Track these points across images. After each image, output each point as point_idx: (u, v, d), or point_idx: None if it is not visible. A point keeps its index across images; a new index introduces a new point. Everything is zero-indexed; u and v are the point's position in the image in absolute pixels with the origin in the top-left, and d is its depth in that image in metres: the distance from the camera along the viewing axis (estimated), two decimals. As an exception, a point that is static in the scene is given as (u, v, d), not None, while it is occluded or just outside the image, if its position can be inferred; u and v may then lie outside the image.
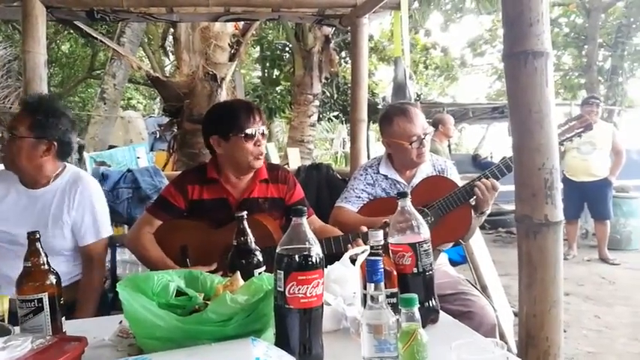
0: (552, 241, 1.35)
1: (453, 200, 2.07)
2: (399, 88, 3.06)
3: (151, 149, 6.25)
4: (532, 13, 1.33)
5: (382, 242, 1.27)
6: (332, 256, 1.76)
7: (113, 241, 2.71)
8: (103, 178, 2.75)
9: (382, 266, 1.02)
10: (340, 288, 1.46)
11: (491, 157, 12.29)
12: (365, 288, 1.24)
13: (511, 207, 6.46)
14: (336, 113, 12.23)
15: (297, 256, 1.04)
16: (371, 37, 12.82)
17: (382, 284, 1.01)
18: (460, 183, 2.82)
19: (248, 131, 1.88)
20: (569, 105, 10.32)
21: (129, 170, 2.85)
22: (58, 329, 1.32)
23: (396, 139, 2.16)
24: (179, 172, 3.66)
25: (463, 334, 1.31)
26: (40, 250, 1.34)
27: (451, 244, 2.36)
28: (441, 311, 1.37)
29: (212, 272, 1.84)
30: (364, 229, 1.83)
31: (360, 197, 2.24)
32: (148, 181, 2.78)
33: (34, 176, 1.94)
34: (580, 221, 5.75)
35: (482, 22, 18.52)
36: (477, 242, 3.20)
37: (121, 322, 1.33)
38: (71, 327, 1.39)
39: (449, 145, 6.01)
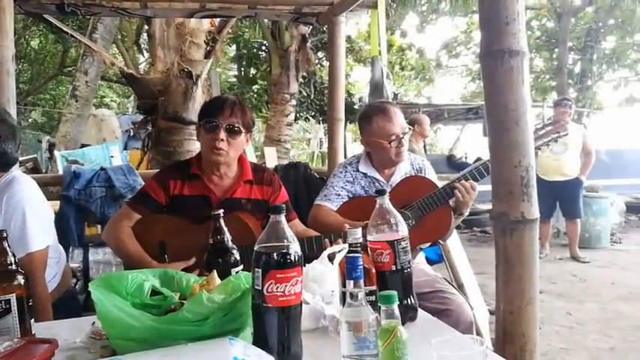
0: (529, 238, 1.36)
1: (433, 201, 2.09)
2: (377, 88, 3.07)
3: (125, 148, 6.12)
4: (508, 12, 1.34)
5: (361, 240, 1.26)
6: (312, 257, 1.77)
7: (85, 240, 2.66)
8: (75, 177, 2.68)
9: (362, 263, 1.01)
10: (318, 286, 1.45)
11: (466, 157, 12.47)
12: (344, 286, 1.24)
13: (486, 206, 6.57)
14: (313, 113, 12.22)
15: (275, 254, 1.03)
16: (348, 38, 12.86)
17: (362, 281, 1.00)
18: (437, 182, 2.85)
19: (207, 121, 1.87)
20: (540, 107, 10.53)
21: (102, 169, 2.79)
22: (27, 331, 1.27)
23: (375, 138, 2.16)
24: (157, 170, 3.63)
25: (442, 331, 1.31)
26: (7, 249, 1.29)
27: (429, 244, 2.38)
28: (419, 309, 1.37)
29: (190, 268, 1.83)
30: (346, 228, 1.82)
31: (339, 195, 2.23)
32: (121, 180, 2.72)
33: None
34: (552, 220, 5.87)
35: (457, 25, 18.81)
36: (454, 241, 3.24)
37: (93, 323, 1.29)
38: (41, 329, 1.35)
39: (424, 146, 6.06)
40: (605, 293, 4.32)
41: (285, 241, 1.04)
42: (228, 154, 1.88)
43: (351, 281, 0.99)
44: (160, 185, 1.92)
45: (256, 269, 1.03)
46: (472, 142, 14.61)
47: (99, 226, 2.89)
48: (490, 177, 1.44)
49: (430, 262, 3.12)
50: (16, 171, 1.85)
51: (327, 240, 1.85)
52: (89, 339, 1.23)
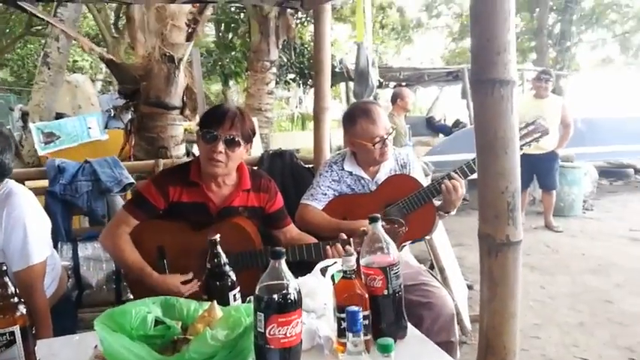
0: (513, 259, 1.43)
1: (418, 199, 2.14)
2: (362, 75, 3.07)
3: (106, 127, 5.99)
4: (499, 42, 1.35)
5: (355, 267, 1.32)
6: (308, 262, 1.82)
7: (73, 235, 2.66)
8: (59, 172, 2.66)
9: (361, 318, 1.07)
10: (311, 300, 1.51)
11: (445, 119, 12.57)
12: (339, 311, 1.31)
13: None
14: (292, 76, 12.05)
15: (276, 299, 1.08)
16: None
17: (361, 333, 1.05)
18: (421, 171, 2.90)
19: (207, 131, 1.87)
20: (519, 70, 10.58)
21: (86, 161, 2.76)
22: (32, 358, 1.31)
23: (360, 140, 2.20)
24: (141, 160, 3.57)
25: (431, 351, 1.40)
26: (8, 282, 1.31)
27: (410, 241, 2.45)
28: (409, 325, 1.45)
29: (189, 281, 1.87)
30: (343, 236, 1.87)
31: (326, 194, 2.28)
32: (107, 173, 2.71)
33: None
34: (529, 189, 6.04)
35: (438, -18, 18.50)
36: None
37: (96, 346, 1.33)
38: (42, 349, 1.39)
39: (405, 117, 6.08)
40: (576, 265, 4.54)
41: (285, 285, 1.09)
42: (226, 166, 1.88)
43: (351, 334, 1.05)
44: (159, 191, 1.91)
45: (258, 313, 1.08)
46: (450, 103, 14.70)
47: (86, 219, 2.90)
48: (477, 198, 1.49)
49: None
50: (11, 181, 1.84)
51: (328, 247, 1.88)
52: (94, 365, 1.28)
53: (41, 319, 1.75)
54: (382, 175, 2.29)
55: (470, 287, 3.89)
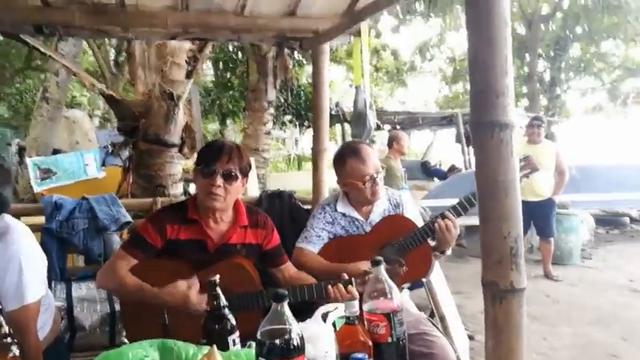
0: (517, 306, 1.42)
1: (413, 240, 2.13)
2: (360, 117, 3.11)
3: (103, 164, 5.99)
4: (498, 85, 1.38)
5: (358, 313, 1.30)
6: (308, 303, 1.79)
7: (67, 275, 2.61)
8: (56, 208, 2.63)
9: None
10: (313, 347, 1.47)
11: (440, 164, 12.66)
12: (341, 358, 1.28)
13: (462, 221, 6.67)
14: (289, 117, 12.20)
15: (278, 344, 1.05)
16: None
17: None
18: (417, 210, 2.90)
19: (205, 165, 1.88)
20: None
21: (84, 198, 2.74)
22: (23, 404, 1.26)
23: (350, 180, 2.21)
24: (140, 199, 3.55)
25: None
26: (2, 321, 1.28)
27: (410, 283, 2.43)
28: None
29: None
30: (345, 276, 1.85)
31: (320, 236, 2.26)
32: (105, 211, 2.68)
33: None
34: (526, 236, 6.02)
35: (431, 25, 19.01)
36: (434, 269, 3.29)
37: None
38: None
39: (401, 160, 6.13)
40: (575, 315, 4.46)
41: (288, 329, 1.07)
42: (224, 200, 1.89)
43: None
44: (156, 229, 1.89)
45: (260, 358, 1.06)
46: (445, 148, 14.87)
47: (81, 258, 2.86)
48: (480, 245, 1.48)
49: (410, 287, 3.18)
50: (8, 217, 1.79)
51: (330, 287, 1.85)
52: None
53: None
54: (376, 215, 2.29)
55: (471, 338, 3.79)
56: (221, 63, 10.87)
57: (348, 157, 2.22)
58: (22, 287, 1.67)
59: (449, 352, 2.03)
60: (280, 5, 2.72)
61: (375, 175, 2.19)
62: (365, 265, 2.00)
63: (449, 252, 2.21)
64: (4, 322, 1.28)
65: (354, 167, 2.19)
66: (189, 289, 1.78)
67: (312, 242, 2.24)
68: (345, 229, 2.28)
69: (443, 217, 2.10)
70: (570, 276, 5.79)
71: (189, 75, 3.83)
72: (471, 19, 1.40)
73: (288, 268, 2.09)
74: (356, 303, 1.30)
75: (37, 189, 5.14)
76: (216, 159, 1.88)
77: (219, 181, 1.85)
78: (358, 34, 3.07)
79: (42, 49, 3.46)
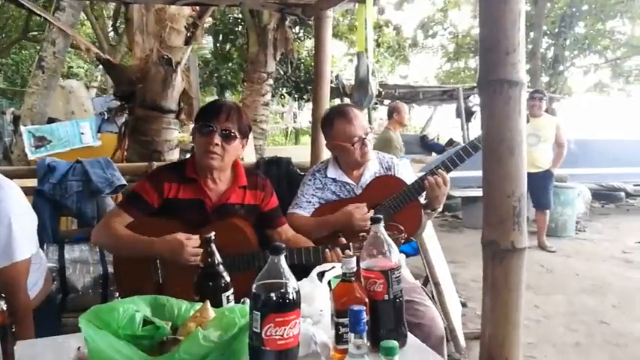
0: (517, 266, 1.39)
1: (403, 199, 2.12)
2: (361, 84, 3.04)
3: (98, 130, 5.92)
4: (508, 41, 1.32)
5: (355, 269, 1.27)
6: (305, 266, 1.76)
7: (60, 237, 2.58)
8: (49, 170, 2.59)
9: (365, 317, 1.01)
10: (307, 306, 1.45)
11: (438, 138, 12.63)
12: (338, 316, 1.25)
13: (459, 192, 6.69)
14: (288, 90, 12.07)
15: (274, 297, 1.02)
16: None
17: (365, 334, 1.00)
18: (411, 174, 2.88)
19: (203, 124, 1.86)
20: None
21: (78, 161, 2.69)
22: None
23: (339, 142, 2.20)
24: (134, 164, 3.51)
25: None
26: (-11, 276, 1.24)
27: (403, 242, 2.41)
28: (408, 334, 1.39)
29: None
30: (343, 240, 1.85)
31: (310, 202, 2.25)
32: (99, 174, 2.64)
33: None
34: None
35: (434, 2, 18.74)
36: (429, 236, 3.28)
37: (79, 348, 1.26)
38: (23, 350, 1.31)
39: (401, 132, 6.07)
40: (570, 285, 4.50)
41: (284, 282, 1.03)
42: (222, 159, 1.86)
43: (354, 334, 0.99)
44: (153, 187, 1.87)
45: (255, 312, 1.03)
46: (444, 122, 14.81)
47: (75, 221, 2.82)
48: (482, 203, 1.44)
49: (406, 255, 3.18)
50: None
51: (327, 250, 1.84)
52: (76, 367, 1.21)
53: (23, 318, 1.67)
54: (367, 178, 2.27)
55: (464, 305, 3.84)
56: (221, 35, 10.67)
57: (335, 118, 2.21)
58: (11, 244, 1.65)
59: (438, 323, 2.02)
60: (283, -30, 2.64)
61: (364, 136, 2.17)
62: (352, 207, 2.06)
63: (440, 208, 2.22)
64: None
65: (342, 128, 2.17)
66: (188, 240, 1.74)
67: (302, 207, 2.24)
68: (335, 194, 2.27)
69: (432, 173, 2.10)
70: (565, 247, 5.83)
71: (188, 41, 3.75)
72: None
73: (286, 230, 2.08)
74: (353, 260, 1.26)
75: (31, 157, 5.09)
76: (214, 117, 1.85)
77: (217, 139, 1.83)
78: (363, 1, 2.99)
79: (37, 11, 3.37)
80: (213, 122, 1.84)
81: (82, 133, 6.20)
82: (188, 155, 4.69)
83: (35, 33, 14.33)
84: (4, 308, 1.26)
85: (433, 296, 2.93)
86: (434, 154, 10.68)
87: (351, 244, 1.80)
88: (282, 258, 1.05)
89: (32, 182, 2.66)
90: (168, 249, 1.74)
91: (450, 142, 11.04)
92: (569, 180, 6.84)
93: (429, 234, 3.28)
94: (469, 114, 10.59)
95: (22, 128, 6.20)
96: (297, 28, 11.10)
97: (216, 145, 1.82)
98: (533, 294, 4.17)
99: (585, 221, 7.14)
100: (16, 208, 1.70)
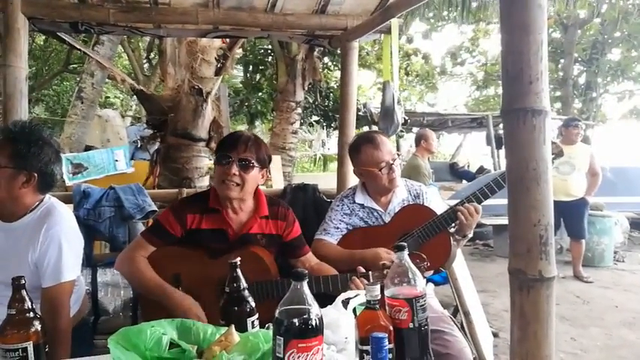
0: (545, 296, 1.36)
1: (432, 228, 2.11)
2: (387, 113, 3.06)
3: (132, 158, 6.12)
4: (532, 71, 1.33)
5: (379, 297, 1.27)
6: (328, 295, 1.77)
7: (93, 261, 2.65)
8: (84, 196, 2.68)
9: (387, 345, 1.01)
10: (332, 333, 1.45)
11: (468, 165, 12.49)
12: (362, 344, 1.25)
13: (490, 221, 6.57)
14: (317, 118, 12.20)
15: (297, 323, 1.03)
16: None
17: (386, 361, 1.00)
18: (439, 202, 2.86)
19: (221, 154, 1.90)
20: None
21: (111, 187, 2.78)
22: (43, 379, 1.28)
23: (366, 167, 2.21)
24: (165, 189, 3.60)
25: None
26: (25, 296, 1.30)
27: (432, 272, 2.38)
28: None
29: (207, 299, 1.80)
30: (361, 269, 1.84)
31: (338, 228, 2.26)
32: (131, 200, 2.71)
33: (10, 208, 1.78)
34: (556, 237, 5.86)
35: (463, 31, 18.79)
36: (458, 264, 3.23)
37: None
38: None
39: (429, 159, 6.05)
40: (609, 317, 4.32)
41: (307, 308, 1.04)
42: (241, 190, 1.89)
43: (376, 361, 0.99)
44: (176, 219, 1.92)
45: (278, 337, 1.03)
46: (474, 150, 14.66)
47: (108, 245, 2.89)
48: (508, 233, 1.43)
49: (435, 283, 3.13)
50: (53, 198, 1.89)
51: (355, 278, 1.85)
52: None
53: (62, 338, 1.73)
54: (395, 205, 2.27)
55: (495, 335, 3.73)
56: (251, 65, 10.95)
57: (362, 144, 2.24)
58: (60, 265, 1.74)
59: (466, 354, 1.97)
60: (310, 2, 2.73)
61: (391, 162, 2.19)
62: (383, 251, 2.03)
63: (470, 234, 2.20)
64: (27, 298, 1.30)
65: (369, 154, 2.20)
66: (196, 307, 1.78)
67: (330, 233, 2.24)
68: (363, 220, 2.27)
69: (463, 203, 2.10)
70: (602, 278, 5.64)
71: (218, 72, 3.88)
72: (505, 2, 1.36)
73: (310, 259, 2.08)
74: (377, 288, 1.26)
75: (68, 183, 5.28)
76: (232, 148, 1.90)
77: (235, 169, 1.87)
78: (388, 31, 3.04)
79: (78, 46, 3.55)
80: (232, 153, 1.88)
81: (117, 160, 6.39)
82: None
83: (75, 65, 14.99)
84: (39, 328, 1.30)
85: (463, 326, 2.86)
86: (464, 181, 10.57)
87: (370, 272, 1.80)
88: (305, 284, 1.06)
89: (69, 207, 2.75)
90: (181, 311, 1.75)
91: (481, 170, 10.91)
92: (606, 208, 6.64)
93: (459, 262, 3.23)
94: (499, 141, 10.45)
95: (61, 156, 6.45)
96: (326, 58, 11.29)
97: (234, 174, 1.86)
98: (569, 326, 4.03)
99: (624, 251, 6.90)
100: (68, 232, 1.80)
